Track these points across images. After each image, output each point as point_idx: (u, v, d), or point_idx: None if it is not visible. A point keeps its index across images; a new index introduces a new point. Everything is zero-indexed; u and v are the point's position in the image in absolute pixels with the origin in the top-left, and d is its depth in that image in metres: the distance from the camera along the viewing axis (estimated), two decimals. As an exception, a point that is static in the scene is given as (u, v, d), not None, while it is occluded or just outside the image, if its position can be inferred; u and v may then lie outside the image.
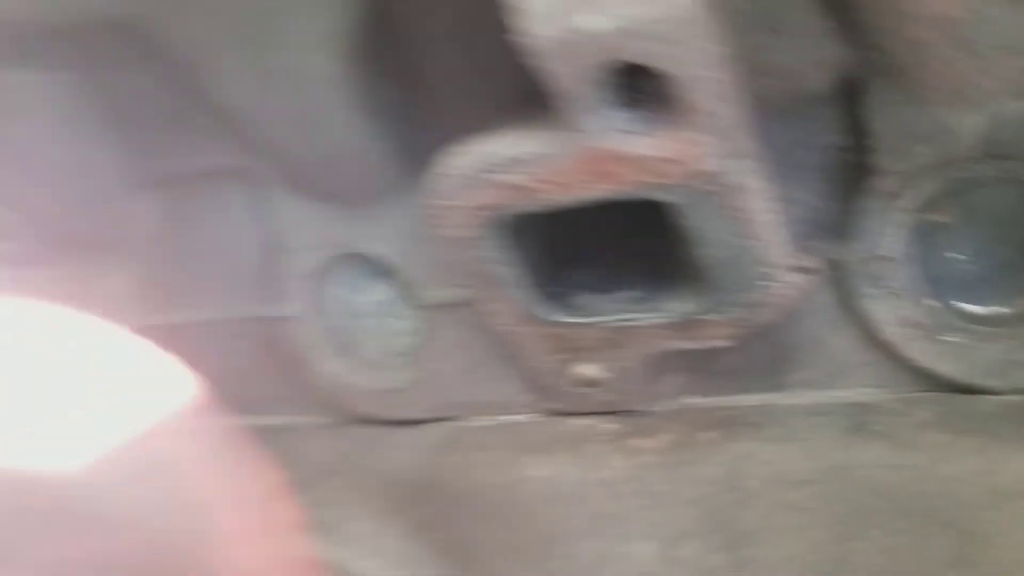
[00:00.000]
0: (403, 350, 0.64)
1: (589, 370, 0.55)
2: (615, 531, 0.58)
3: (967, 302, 0.52)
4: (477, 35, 0.52)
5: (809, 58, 0.48)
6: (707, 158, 0.41)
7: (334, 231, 0.61)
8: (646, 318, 0.52)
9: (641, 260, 0.53)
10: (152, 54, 0.52)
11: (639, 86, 0.41)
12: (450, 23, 0.52)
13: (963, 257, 0.52)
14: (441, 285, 0.60)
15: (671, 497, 0.57)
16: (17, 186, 0.62)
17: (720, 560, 0.56)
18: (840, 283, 0.53)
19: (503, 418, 0.62)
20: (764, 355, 0.55)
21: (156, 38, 0.50)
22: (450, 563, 0.63)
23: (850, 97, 0.50)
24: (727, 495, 0.56)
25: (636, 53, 0.38)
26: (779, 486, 0.55)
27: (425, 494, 0.63)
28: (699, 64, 0.38)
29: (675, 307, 0.51)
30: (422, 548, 0.64)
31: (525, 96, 0.50)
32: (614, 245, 0.53)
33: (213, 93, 0.54)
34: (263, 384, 0.68)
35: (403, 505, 0.64)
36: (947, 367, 0.52)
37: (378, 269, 0.63)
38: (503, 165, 0.45)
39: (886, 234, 0.50)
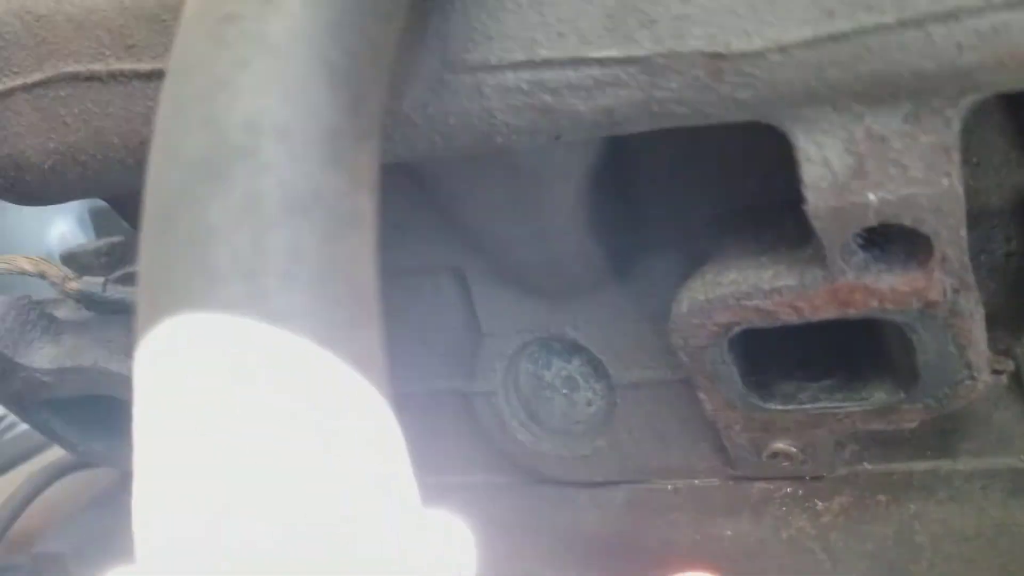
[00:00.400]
0: (588, 420, 0.71)
1: (782, 446, 0.62)
2: (795, 580, 0.65)
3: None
4: (690, 170, 0.59)
5: (996, 182, 0.56)
6: (943, 292, 0.48)
7: (532, 318, 0.68)
8: (844, 407, 0.59)
9: (835, 349, 0.60)
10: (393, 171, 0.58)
11: (892, 234, 0.47)
12: (671, 159, 0.58)
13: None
14: (630, 367, 0.67)
15: (848, 552, 0.64)
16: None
17: (892, 607, 0.64)
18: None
19: (687, 482, 0.69)
20: (936, 427, 0.63)
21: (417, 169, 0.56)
22: (637, 613, 0.70)
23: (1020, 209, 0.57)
24: (899, 549, 0.64)
25: (903, 219, 0.45)
26: (946, 541, 0.63)
27: (613, 550, 0.70)
28: (951, 226, 0.45)
29: (871, 396, 0.58)
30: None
31: (743, 222, 0.57)
32: (811, 335, 0.60)
33: (456, 211, 0.60)
34: (458, 447, 0.75)
35: (591, 559, 0.71)
36: None
37: (567, 348, 0.70)
38: (759, 294, 0.51)
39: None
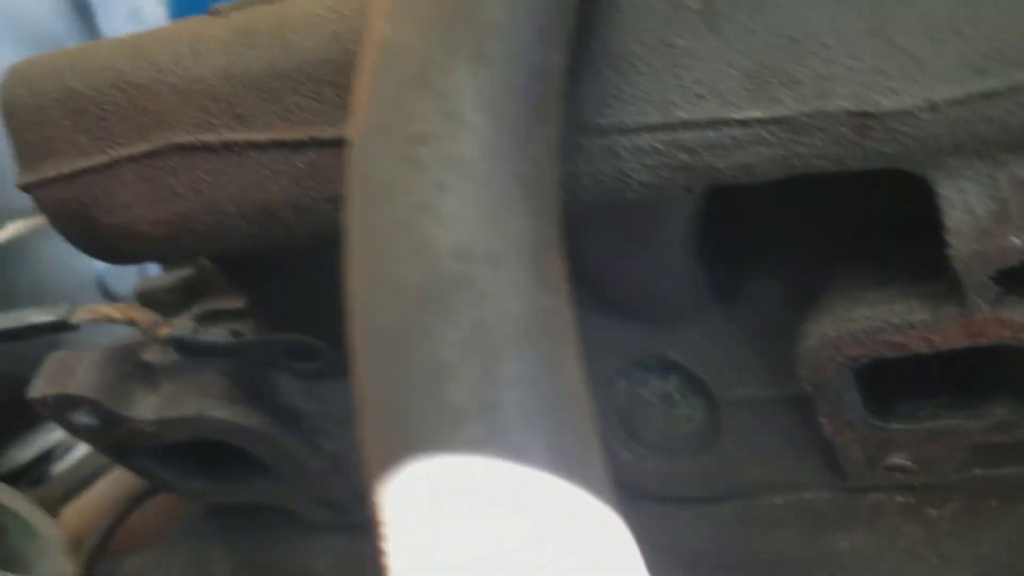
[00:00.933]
0: (688, 436, 0.71)
1: (899, 459, 0.62)
2: (913, 587, 0.66)
3: None
4: (794, 196, 0.58)
5: None
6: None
7: (631, 341, 0.67)
8: (963, 424, 0.59)
9: (951, 366, 0.60)
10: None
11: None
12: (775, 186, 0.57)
13: None
14: (733, 385, 0.66)
15: (962, 557, 0.65)
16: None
17: (1007, 609, 0.64)
18: None
19: (796, 495, 0.69)
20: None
21: None
22: (753, 625, 0.71)
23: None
24: (1012, 553, 0.64)
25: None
26: None
27: (721, 566, 0.71)
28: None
29: (991, 411, 0.58)
30: (724, 611, 0.72)
31: (857, 251, 0.57)
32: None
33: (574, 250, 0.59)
34: None
35: (700, 574, 0.72)
36: None
37: (662, 365, 0.70)
38: (891, 329, 0.51)
39: None
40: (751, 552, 0.69)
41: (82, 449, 1.21)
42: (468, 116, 0.31)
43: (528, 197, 0.31)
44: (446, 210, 0.30)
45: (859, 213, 0.58)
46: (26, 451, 1.07)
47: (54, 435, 1.12)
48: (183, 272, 0.82)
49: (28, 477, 1.10)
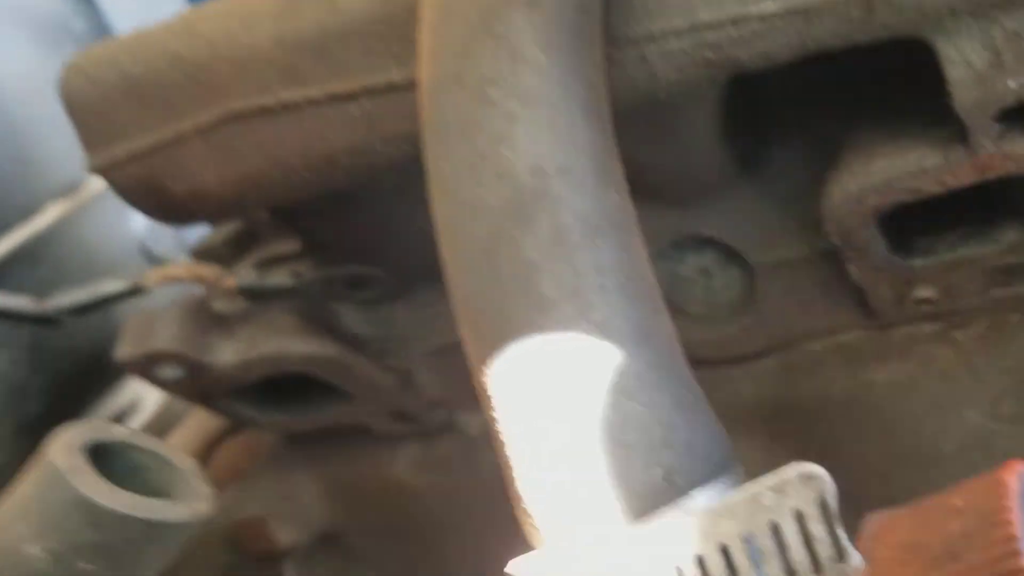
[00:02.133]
0: (729, 302, 0.77)
1: (924, 292, 0.68)
2: (949, 405, 0.72)
3: None
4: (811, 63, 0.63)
5: None
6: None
7: (666, 224, 0.72)
8: (980, 250, 0.64)
9: (966, 199, 0.65)
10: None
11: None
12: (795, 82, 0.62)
13: None
14: (766, 250, 0.72)
15: (990, 371, 0.71)
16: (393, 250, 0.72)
17: (1035, 409, 0.71)
18: None
19: (833, 339, 0.76)
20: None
21: None
22: (806, 461, 0.78)
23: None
24: (1035, 359, 0.70)
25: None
26: None
27: (773, 411, 0.77)
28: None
29: (1004, 236, 0.64)
30: (777, 454, 0.79)
31: (869, 107, 0.62)
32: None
33: None
34: None
35: (754, 424, 0.78)
36: None
37: (700, 242, 0.75)
38: (907, 176, 0.56)
39: None
40: (798, 396, 0.76)
41: (151, 406, 1.28)
42: (528, 54, 0.36)
43: (587, 115, 0.37)
44: (519, 137, 0.35)
45: (866, 78, 0.62)
46: (103, 413, 1.13)
47: (126, 395, 1.18)
48: (231, 225, 0.86)
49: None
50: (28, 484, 0.46)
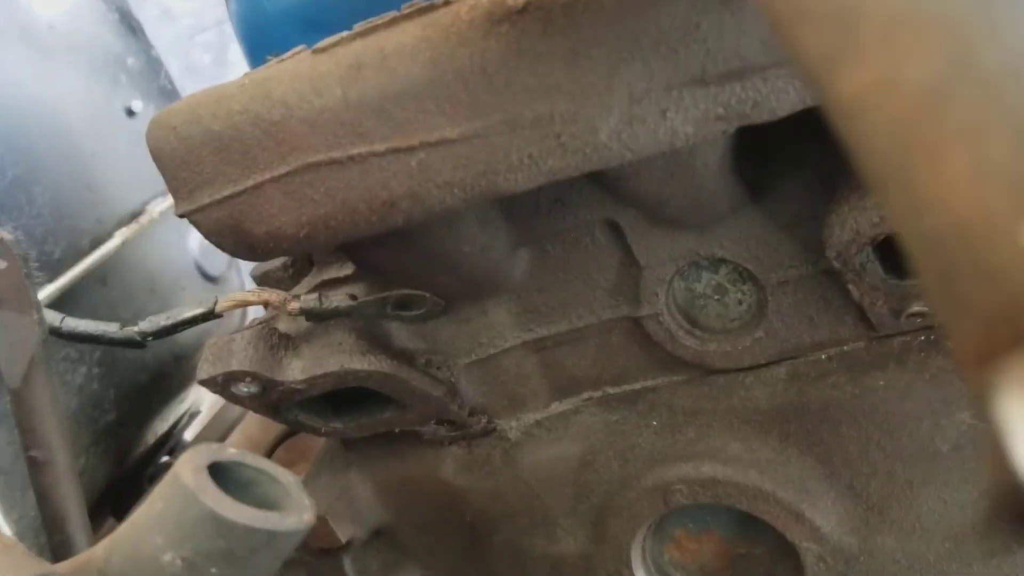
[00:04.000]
0: (741, 316, 0.85)
1: (918, 307, 0.76)
2: (943, 408, 0.80)
3: None
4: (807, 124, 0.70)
5: None
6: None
7: (683, 246, 0.81)
8: None
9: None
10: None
11: None
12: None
13: None
14: (775, 269, 0.80)
15: (981, 376, 0.79)
16: (440, 274, 0.81)
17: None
18: None
19: (837, 349, 0.84)
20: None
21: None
22: (813, 461, 0.86)
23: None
24: (1022, 365, 0.78)
25: None
26: None
27: (783, 414, 0.85)
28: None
29: None
30: (788, 455, 0.87)
31: None
32: None
33: (621, 185, 0.72)
34: (636, 360, 0.90)
35: (765, 426, 0.87)
36: None
37: (714, 262, 0.83)
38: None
39: None
40: (806, 401, 0.84)
41: (205, 414, 1.37)
42: None
43: None
44: None
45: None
46: (164, 423, 1.23)
47: (183, 405, 1.27)
48: (291, 252, 0.95)
49: (170, 443, 1.27)
50: (161, 500, 0.55)
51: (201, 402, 1.34)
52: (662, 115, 0.58)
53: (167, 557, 0.55)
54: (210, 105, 0.66)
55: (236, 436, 1.33)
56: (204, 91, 0.69)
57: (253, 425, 1.33)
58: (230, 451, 0.58)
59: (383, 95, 0.61)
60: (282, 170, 0.65)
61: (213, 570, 0.55)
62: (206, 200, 0.68)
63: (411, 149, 0.62)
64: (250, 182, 0.66)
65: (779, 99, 0.56)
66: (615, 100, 0.58)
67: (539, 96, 0.59)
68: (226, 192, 0.67)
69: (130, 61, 1.24)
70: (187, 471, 0.55)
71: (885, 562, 0.87)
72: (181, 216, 0.70)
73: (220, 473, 0.57)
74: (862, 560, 0.87)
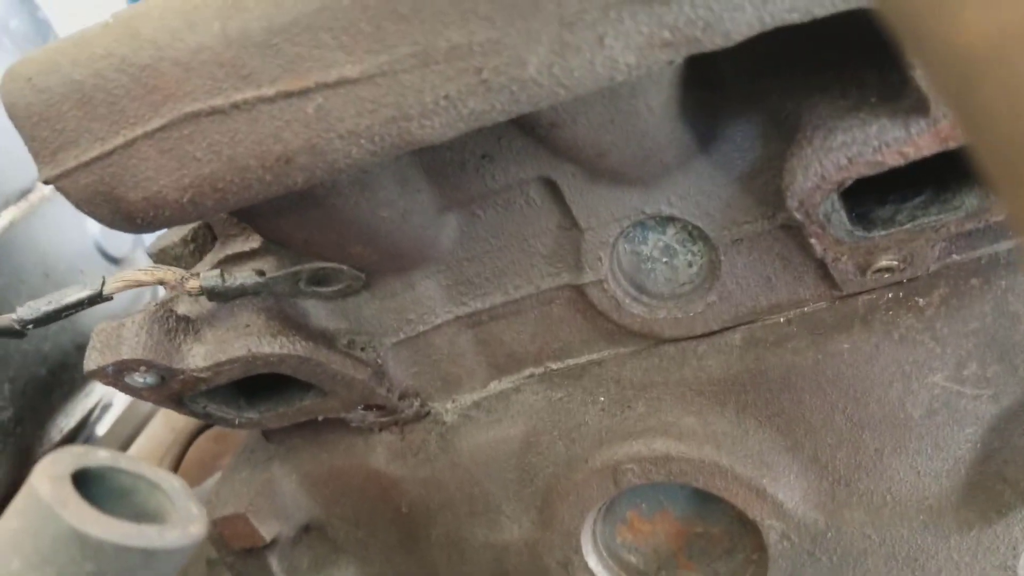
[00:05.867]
0: (692, 280, 0.77)
1: (886, 261, 0.69)
2: (914, 370, 0.73)
3: None
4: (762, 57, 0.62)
5: None
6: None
7: (627, 205, 0.73)
8: (940, 219, 0.65)
9: (923, 168, 0.66)
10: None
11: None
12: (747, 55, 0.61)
13: None
14: (728, 226, 0.72)
15: (954, 334, 0.72)
16: (356, 244, 0.72)
17: (998, 369, 0.72)
18: None
19: (798, 311, 0.76)
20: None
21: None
22: (774, 432, 0.79)
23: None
24: (998, 321, 0.71)
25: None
26: None
27: (740, 384, 0.78)
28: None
29: (963, 202, 0.65)
30: (746, 426, 0.80)
31: (824, 81, 0.62)
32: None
33: (556, 136, 0.64)
34: (580, 332, 0.82)
35: (721, 397, 0.79)
36: None
37: (660, 221, 0.75)
38: (869, 150, 0.57)
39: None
40: (765, 368, 0.76)
41: (119, 406, 1.27)
42: None
43: None
44: None
45: (822, 48, 0.62)
46: (70, 418, 1.12)
47: (91, 398, 1.17)
48: (187, 225, 0.85)
49: (79, 439, 1.16)
50: (16, 517, 0.45)
51: (113, 393, 1.23)
52: (599, 42, 0.49)
53: None
54: (70, 50, 0.56)
55: (156, 426, 1.22)
56: (65, 37, 0.58)
57: (175, 413, 1.23)
58: (100, 454, 0.49)
59: (269, 28, 0.52)
60: (156, 123, 0.55)
61: None
62: (72, 163, 0.58)
63: (306, 92, 0.52)
64: (120, 139, 0.56)
65: (734, 19, 0.48)
66: (543, 24, 0.49)
67: (454, 22, 0.50)
68: (94, 152, 0.57)
69: (13, 24, 1.12)
70: (44, 482, 0.46)
71: (855, 538, 0.80)
72: (45, 183, 0.60)
73: (89, 482, 0.48)
74: (830, 536, 0.81)
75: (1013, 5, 0.22)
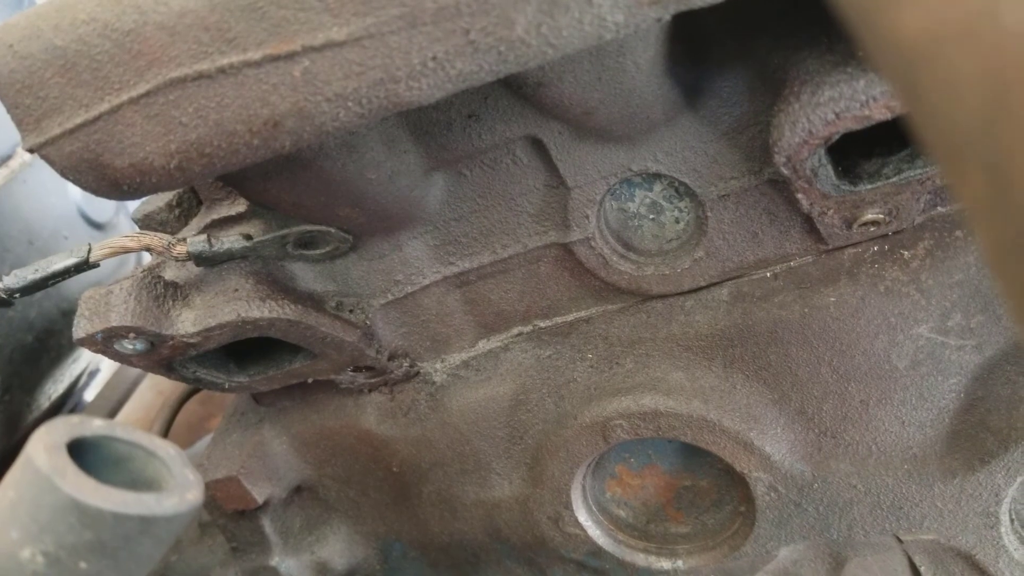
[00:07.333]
0: (679, 236, 0.78)
1: (871, 216, 0.70)
2: (899, 322, 0.74)
3: None
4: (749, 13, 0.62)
5: None
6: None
7: (614, 162, 0.73)
8: (926, 172, 0.65)
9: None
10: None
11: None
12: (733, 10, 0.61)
13: None
14: (714, 181, 0.72)
15: (940, 286, 0.73)
16: (344, 206, 0.72)
17: (982, 319, 0.73)
18: None
19: (784, 265, 0.77)
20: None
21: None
22: (761, 386, 0.80)
23: None
24: (981, 271, 0.72)
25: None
26: None
27: (727, 339, 0.79)
28: None
29: None
30: (734, 381, 0.81)
31: (811, 35, 0.61)
32: None
33: (542, 94, 0.63)
34: (567, 289, 0.82)
35: (708, 353, 0.80)
36: None
37: (646, 178, 0.75)
38: (857, 105, 0.57)
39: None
40: (752, 323, 0.77)
41: (106, 371, 1.27)
42: None
43: None
44: None
45: (809, 2, 0.62)
46: (58, 384, 1.12)
47: (79, 364, 1.16)
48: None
49: (68, 404, 1.16)
50: (13, 487, 0.46)
51: (101, 359, 1.23)
52: (587, 0, 0.49)
53: (26, 553, 0.46)
54: (51, 16, 0.55)
55: (144, 391, 1.22)
56: (46, 1, 0.57)
57: (162, 378, 1.23)
58: (96, 423, 0.49)
59: None
60: (141, 89, 0.55)
61: (82, 564, 0.46)
62: (56, 130, 0.57)
63: (292, 56, 0.52)
64: (105, 106, 0.56)
65: None
66: None
67: None
68: (78, 120, 0.56)
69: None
70: (40, 452, 0.46)
71: (841, 488, 0.82)
72: (30, 151, 0.59)
73: (85, 451, 0.48)
74: (816, 487, 0.82)
75: (948, 4, 0.25)
